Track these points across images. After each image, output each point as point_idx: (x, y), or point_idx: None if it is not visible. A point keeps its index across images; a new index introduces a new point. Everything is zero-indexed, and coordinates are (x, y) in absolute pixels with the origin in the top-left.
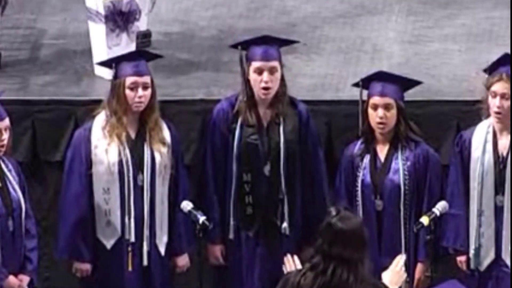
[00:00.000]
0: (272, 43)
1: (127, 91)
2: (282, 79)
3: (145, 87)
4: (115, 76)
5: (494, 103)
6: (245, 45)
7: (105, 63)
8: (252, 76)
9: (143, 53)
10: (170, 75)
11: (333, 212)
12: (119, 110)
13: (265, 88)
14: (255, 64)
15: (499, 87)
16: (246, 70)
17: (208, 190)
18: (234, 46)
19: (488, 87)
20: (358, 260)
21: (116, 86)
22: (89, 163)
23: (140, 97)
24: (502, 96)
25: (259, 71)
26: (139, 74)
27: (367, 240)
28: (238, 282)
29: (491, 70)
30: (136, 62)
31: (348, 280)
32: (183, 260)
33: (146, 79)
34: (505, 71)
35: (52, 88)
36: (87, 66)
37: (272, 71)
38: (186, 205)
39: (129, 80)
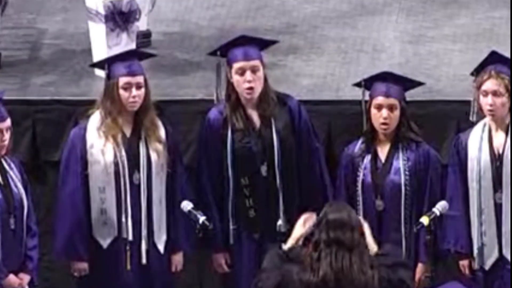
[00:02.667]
0: (251, 43)
1: (121, 91)
2: (265, 79)
3: (138, 87)
4: (108, 77)
5: (486, 102)
6: (224, 50)
7: (98, 64)
8: (235, 78)
9: (136, 53)
10: (170, 75)
11: (327, 206)
12: (113, 111)
13: (249, 88)
14: (237, 65)
15: (490, 85)
16: (227, 74)
17: (206, 198)
18: (213, 53)
19: (478, 87)
20: (358, 244)
21: (110, 86)
22: (85, 163)
23: (134, 96)
24: (494, 93)
25: (241, 71)
26: (132, 74)
27: (362, 229)
28: (242, 286)
29: (478, 70)
30: (129, 62)
31: (353, 264)
32: (179, 258)
33: (140, 78)
34: (493, 69)
35: (52, 88)
36: (87, 66)
37: (254, 70)
38: (186, 205)
39: (123, 80)
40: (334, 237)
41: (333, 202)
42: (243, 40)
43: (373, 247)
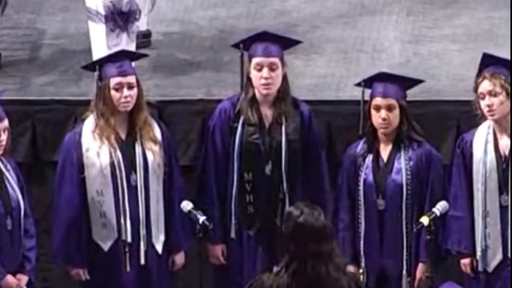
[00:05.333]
0: (274, 41)
1: (113, 92)
2: (285, 78)
3: (130, 87)
4: (100, 78)
5: (484, 104)
6: (247, 43)
7: (88, 67)
8: (253, 73)
9: (127, 53)
10: (170, 75)
11: (296, 212)
12: (106, 112)
13: (265, 85)
14: (255, 60)
15: (484, 86)
16: (247, 68)
17: (209, 189)
18: (236, 45)
19: (475, 91)
20: (332, 251)
21: (101, 88)
22: (81, 167)
23: (125, 97)
24: (489, 93)
25: (259, 67)
26: (123, 74)
27: (332, 229)
28: (239, 281)
29: (477, 74)
30: (119, 62)
31: (329, 272)
32: (180, 258)
33: (131, 78)
34: (488, 71)
35: (52, 88)
36: None
37: (272, 67)
38: (186, 205)
39: (114, 81)
40: (312, 250)
41: (304, 206)
42: (266, 36)
43: None
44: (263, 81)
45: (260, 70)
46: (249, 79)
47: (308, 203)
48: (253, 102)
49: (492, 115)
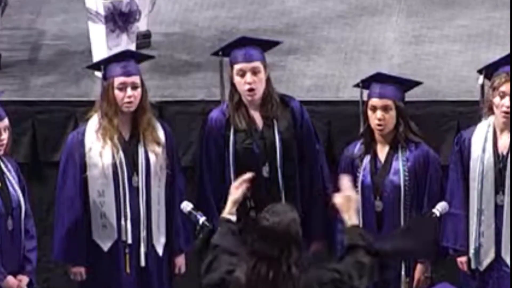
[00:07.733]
0: (253, 45)
1: (116, 92)
2: (268, 80)
3: (134, 87)
4: (104, 78)
5: (503, 103)
6: (226, 50)
7: (94, 66)
8: (236, 79)
9: (132, 54)
10: (170, 75)
11: (265, 211)
12: (109, 112)
13: (250, 90)
14: (237, 67)
15: (509, 88)
16: (230, 75)
17: (208, 200)
18: (215, 54)
19: (496, 87)
20: (289, 256)
21: (105, 87)
22: (83, 167)
23: (129, 97)
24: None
25: (242, 73)
26: (127, 74)
27: (296, 236)
28: None
29: (489, 70)
30: (124, 62)
31: (279, 274)
32: (181, 260)
33: (135, 79)
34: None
35: (52, 89)
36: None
37: (254, 71)
38: (186, 206)
39: (117, 80)
40: (261, 249)
41: (275, 204)
42: (245, 41)
43: (353, 221)
44: (247, 86)
45: (243, 75)
46: (233, 85)
47: (290, 206)
48: (240, 107)
49: (506, 117)
